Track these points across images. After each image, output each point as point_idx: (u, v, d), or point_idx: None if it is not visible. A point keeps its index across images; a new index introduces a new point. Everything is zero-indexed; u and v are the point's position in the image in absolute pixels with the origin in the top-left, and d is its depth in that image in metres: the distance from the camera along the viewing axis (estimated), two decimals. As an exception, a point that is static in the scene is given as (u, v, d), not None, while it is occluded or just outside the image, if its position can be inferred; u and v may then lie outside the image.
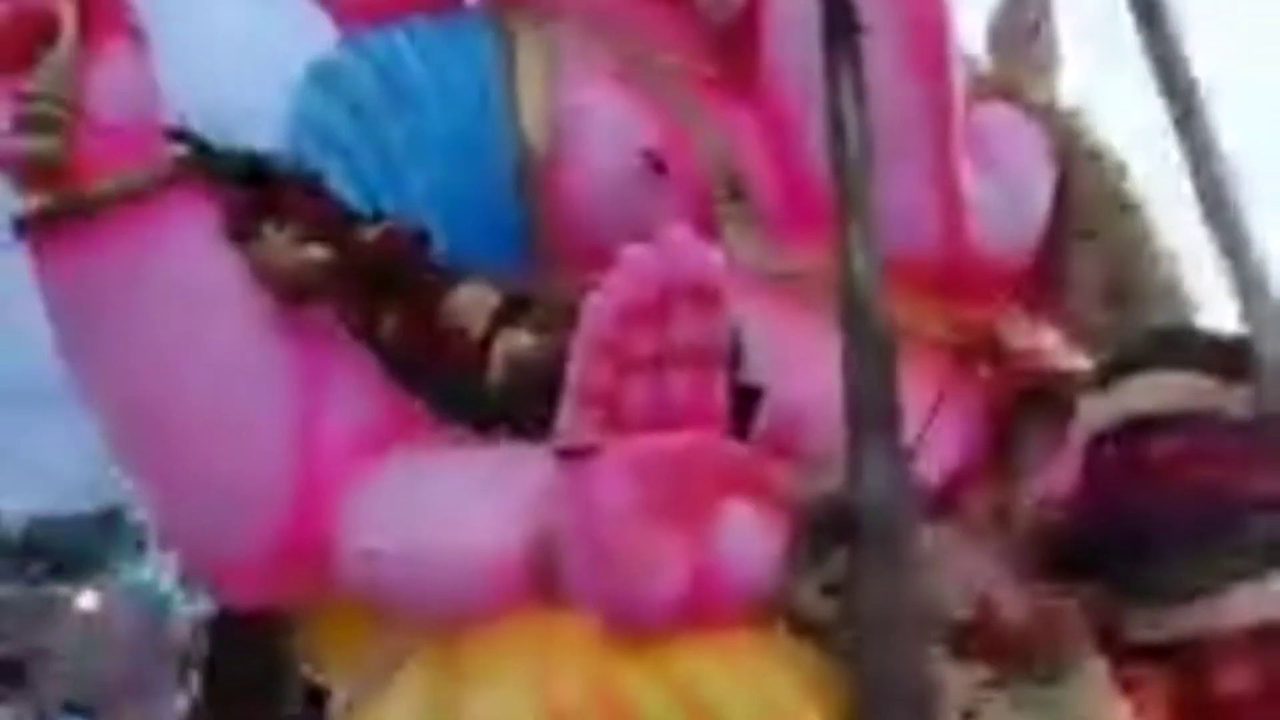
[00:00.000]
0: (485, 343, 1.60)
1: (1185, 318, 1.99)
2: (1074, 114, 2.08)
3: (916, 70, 1.76)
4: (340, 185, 1.74)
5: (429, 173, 1.80)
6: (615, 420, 1.30)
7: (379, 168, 1.80)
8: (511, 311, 1.62)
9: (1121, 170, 2.04)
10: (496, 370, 1.59)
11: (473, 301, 1.62)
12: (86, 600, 18.45)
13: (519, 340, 1.59)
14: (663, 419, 1.31)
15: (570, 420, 1.30)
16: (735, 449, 1.35)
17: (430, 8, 1.96)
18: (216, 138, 1.68)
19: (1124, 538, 1.70)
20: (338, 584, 1.60)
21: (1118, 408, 1.76)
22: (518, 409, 1.58)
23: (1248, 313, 1.78)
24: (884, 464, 1.39)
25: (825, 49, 1.52)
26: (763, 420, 1.38)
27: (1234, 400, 1.74)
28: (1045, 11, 2.28)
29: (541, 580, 1.40)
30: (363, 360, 1.68)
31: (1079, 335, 1.91)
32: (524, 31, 1.89)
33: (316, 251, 1.64)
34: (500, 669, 1.38)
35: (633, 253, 1.31)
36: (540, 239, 1.80)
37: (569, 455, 1.31)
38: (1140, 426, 1.74)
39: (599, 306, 1.29)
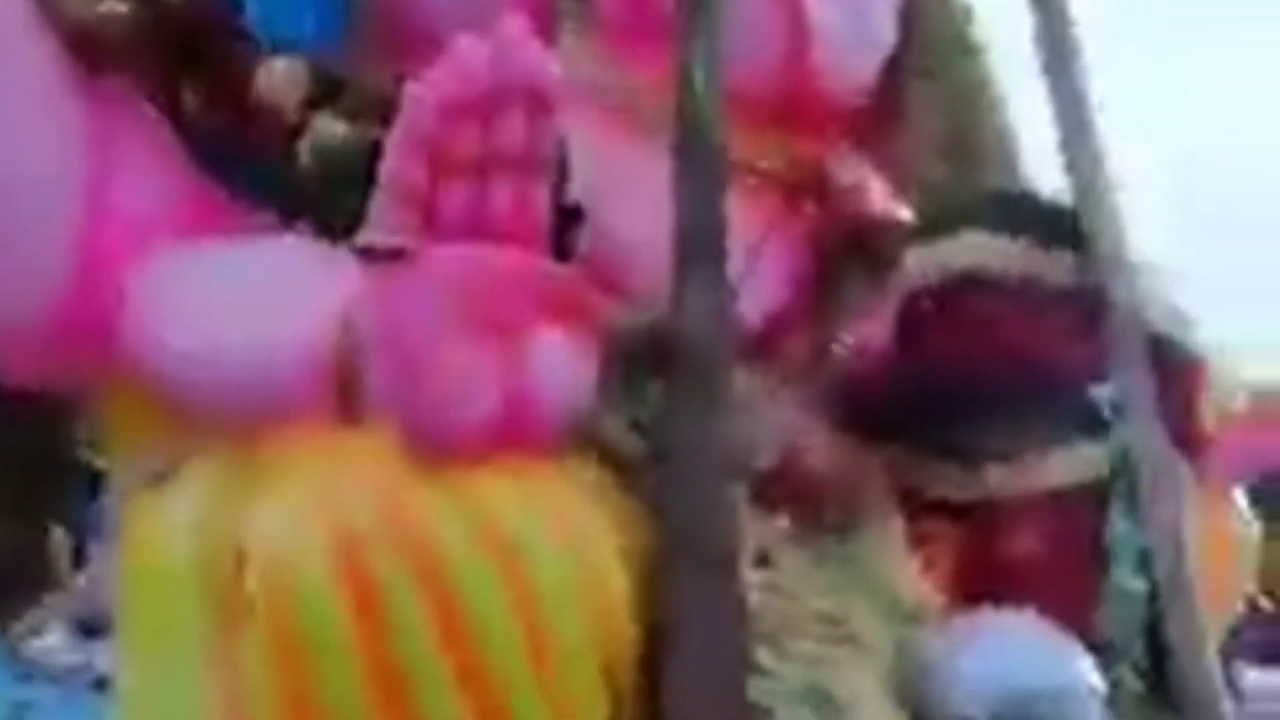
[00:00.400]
0: (296, 128, 1.49)
1: (1015, 174, 1.96)
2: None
3: None
4: None
5: None
6: (429, 223, 1.20)
7: None
8: (326, 95, 1.50)
9: (967, 13, 1.99)
10: (305, 158, 1.48)
11: (286, 80, 1.50)
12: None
13: (331, 128, 1.48)
14: (480, 227, 1.22)
15: (381, 218, 1.21)
16: (554, 269, 1.28)
17: None
18: None
19: (937, 396, 1.69)
20: (124, 368, 1.49)
21: (940, 263, 1.74)
22: (325, 201, 1.47)
23: (1077, 181, 1.76)
24: (707, 298, 1.34)
25: None
26: (583, 243, 1.30)
27: (1056, 267, 1.73)
28: None
29: (344, 388, 1.31)
30: (159, 133, 1.54)
31: (909, 181, 1.87)
32: None
33: (118, 4, 1.50)
34: (291, 479, 1.30)
35: (462, 44, 1.20)
36: (362, 19, 1.67)
37: (378, 256, 1.22)
38: (961, 285, 1.72)
39: (421, 98, 1.19)
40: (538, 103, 1.22)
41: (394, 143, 1.20)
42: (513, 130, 1.22)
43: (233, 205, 1.55)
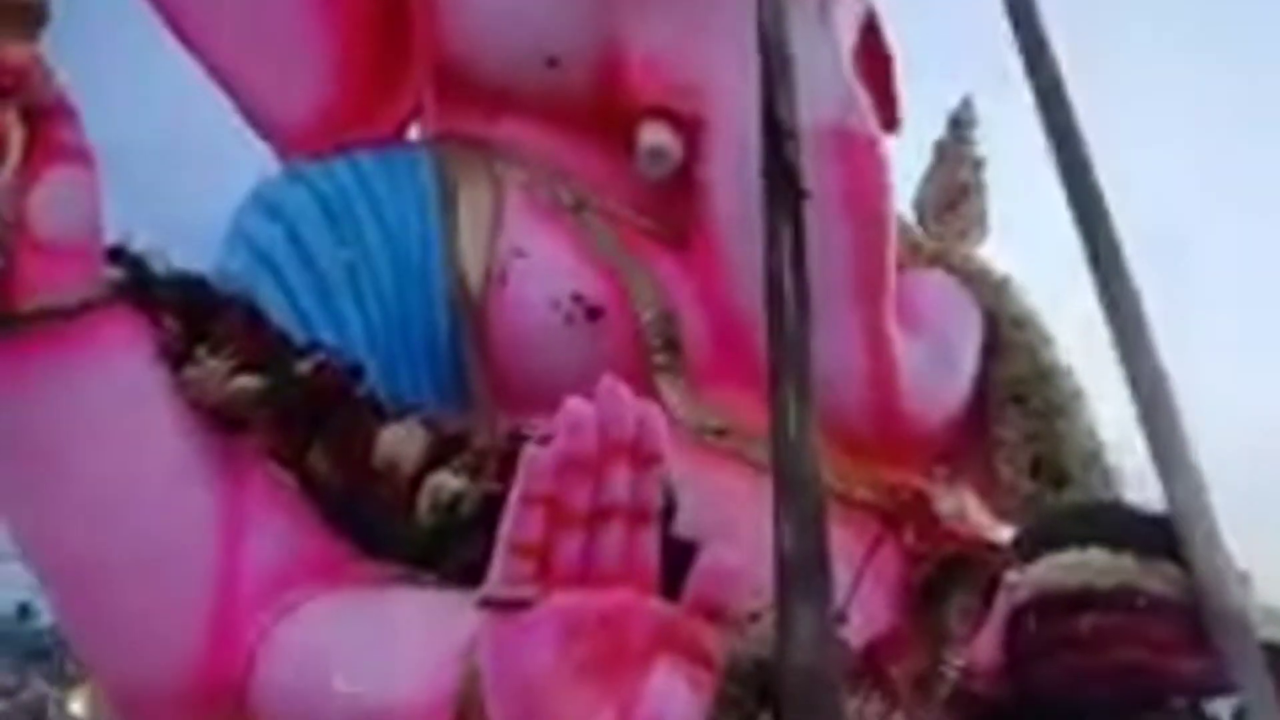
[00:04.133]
0: (415, 482, 1.59)
1: (1107, 489, 2.01)
2: (1002, 282, 2.12)
3: (855, 232, 1.79)
4: (274, 313, 1.73)
5: (365, 307, 1.79)
6: (545, 574, 1.27)
7: (315, 298, 1.79)
8: (442, 452, 1.61)
9: (1047, 338, 2.08)
10: (424, 511, 1.57)
11: (404, 439, 1.61)
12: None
13: (448, 482, 1.57)
14: (593, 575, 1.29)
15: (500, 571, 1.28)
16: (665, 608, 1.33)
17: (374, 143, 1.97)
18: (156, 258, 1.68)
19: (1046, 713, 1.70)
20: None
21: (1039, 582, 1.77)
22: (445, 552, 1.56)
23: (1170, 491, 1.80)
24: (811, 630, 1.38)
25: (766, 209, 1.54)
26: (694, 579, 1.36)
27: (1153, 579, 1.75)
28: (975, 174, 2.34)
29: None
30: (289, 495, 1.66)
31: (1005, 502, 1.93)
32: (465, 169, 1.90)
33: (250, 381, 1.63)
34: None
35: (572, 404, 1.30)
36: (473, 381, 1.80)
37: (498, 607, 1.28)
38: (1062, 602, 1.75)
39: (536, 457, 1.28)
40: (643, 454, 1.30)
41: (513, 499, 1.28)
42: (620, 482, 1.29)
43: (360, 561, 1.65)
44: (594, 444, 1.27)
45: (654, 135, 1.87)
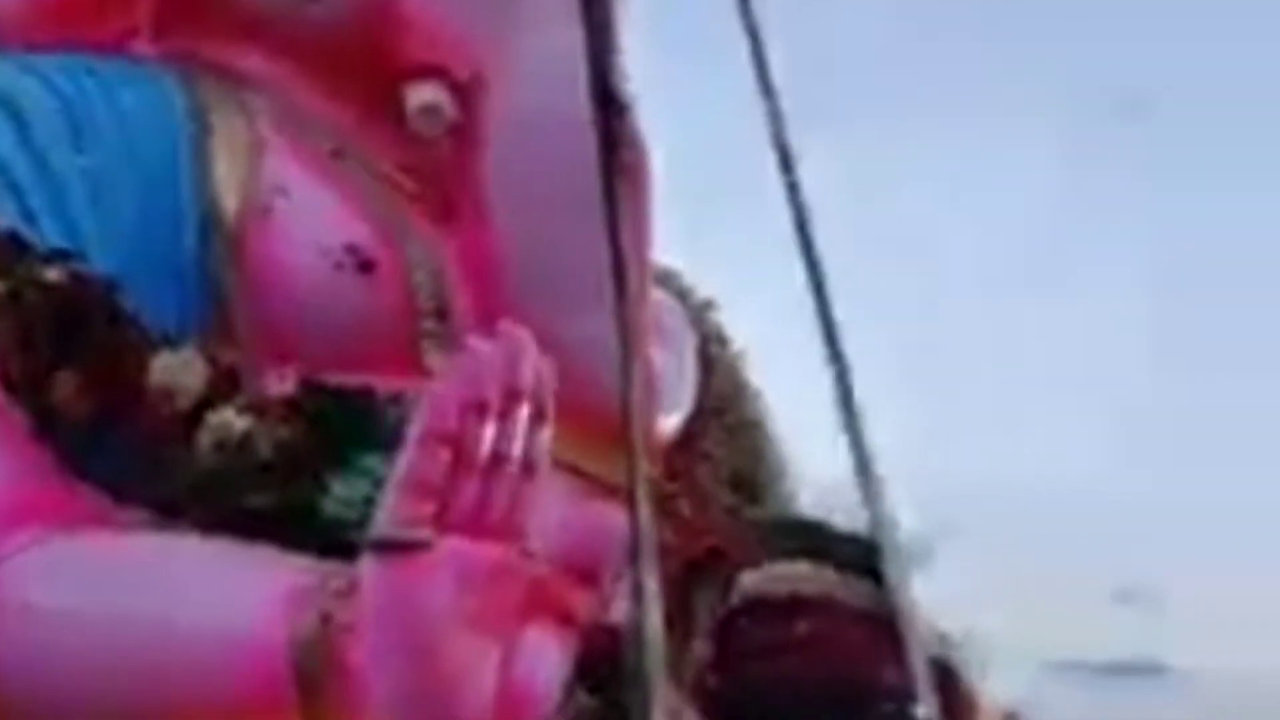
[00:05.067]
0: (192, 418, 1.44)
1: (794, 504, 2.11)
2: (706, 304, 2.18)
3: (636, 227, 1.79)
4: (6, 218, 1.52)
5: (105, 221, 1.60)
6: (442, 518, 1.20)
7: (47, 202, 1.58)
8: (223, 388, 1.47)
9: (741, 357, 2.16)
10: (205, 450, 1.43)
11: (180, 368, 1.46)
12: None
13: (235, 421, 1.44)
14: (480, 524, 1.23)
15: (398, 510, 1.20)
16: (537, 568, 1.29)
17: (100, 47, 1.77)
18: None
19: (755, 713, 1.76)
20: None
21: (751, 588, 1.84)
22: (225, 496, 1.42)
23: (869, 507, 1.92)
24: (658, 606, 1.36)
25: (603, 177, 1.50)
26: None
27: (851, 592, 1.86)
28: None
29: (307, 686, 1.24)
30: (13, 427, 1.45)
31: (707, 514, 1.98)
32: (216, 94, 1.74)
33: None
34: None
35: (478, 345, 1.23)
36: (227, 315, 1.64)
37: (391, 549, 1.19)
38: (772, 608, 1.83)
39: (441, 395, 1.20)
40: (539, 408, 1.25)
41: (415, 439, 1.20)
42: (518, 432, 1.24)
43: (99, 499, 1.46)
44: (499, 388, 1.21)
45: (426, 92, 1.78)
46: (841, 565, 1.87)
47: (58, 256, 1.49)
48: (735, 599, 1.82)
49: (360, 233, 1.69)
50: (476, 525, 1.22)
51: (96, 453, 1.47)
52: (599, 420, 1.61)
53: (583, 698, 1.36)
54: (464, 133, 1.80)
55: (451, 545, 1.21)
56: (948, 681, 1.90)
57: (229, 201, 1.66)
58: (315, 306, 1.62)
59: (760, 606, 1.82)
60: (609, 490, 1.65)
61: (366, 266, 1.67)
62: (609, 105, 1.50)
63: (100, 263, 1.56)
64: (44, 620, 1.35)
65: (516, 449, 1.24)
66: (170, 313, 1.60)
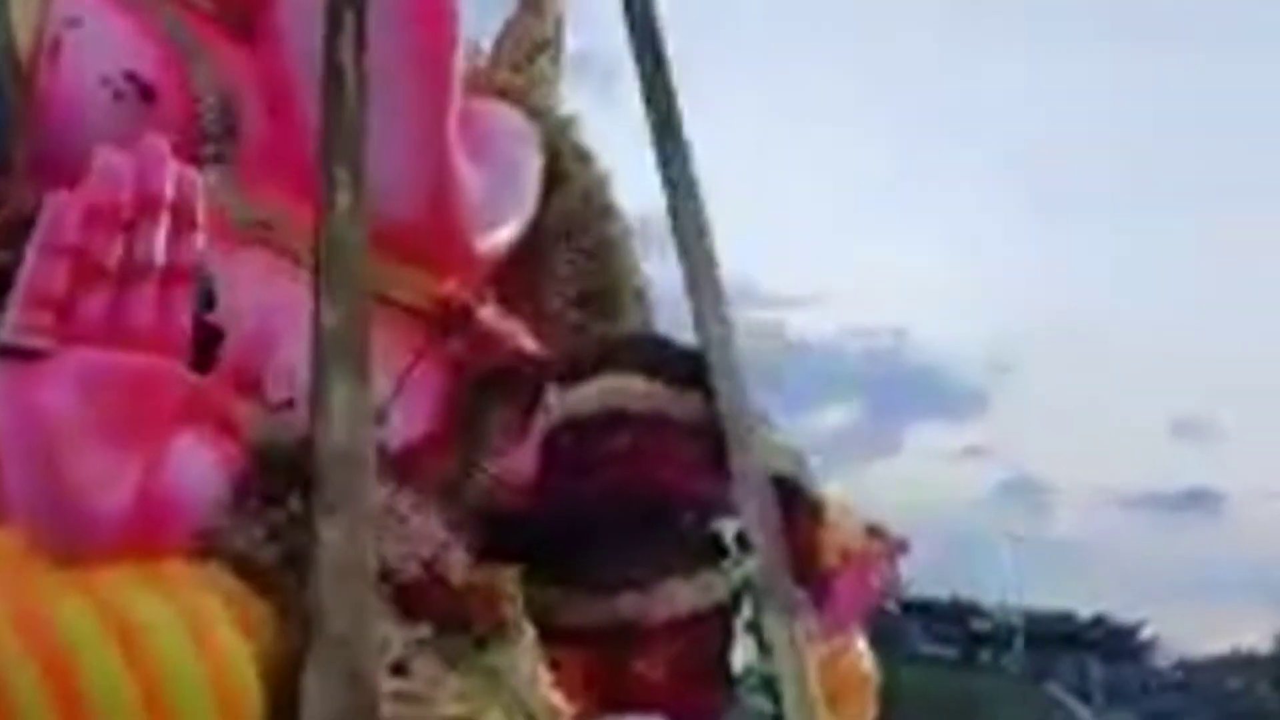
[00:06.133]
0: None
1: (646, 324, 2.09)
2: (568, 120, 2.15)
3: (418, 36, 1.76)
4: None
5: None
6: (67, 328, 1.21)
7: None
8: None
9: (605, 178, 2.13)
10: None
11: None
12: None
13: None
14: (120, 335, 1.23)
15: (17, 320, 1.21)
16: (193, 377, 1.29)
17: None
18: None
19: (565, 527, 1.77)
20: None
21: (578, 401, 1.83)
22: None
23: (701, 324, 1.90)
24: (348, 413, 1.38)
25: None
26: (225, 352, 1.33)
27: (682, 406, 1.84)
28: (558, 28, 2.36)
29: None
30: None
31: (551, 332, 1.97)
32: None
33: None
34: None
35: (105, 154, 1.23)
36: (16, 144, 1.68)
37: (11, 355, 1.21)
38: (597, 422, 1.82)
39: (63, 204, 1.21)
40: (181, 215, 1.25)
41: (32, 247, 1.21)
42: (155, 241, 1.24)
43: None
44: (128, 197, 1.22)
45: None
46: (674, 380, 1.85)
47: None
48: (556, 414, 1.82)
49: (146, 59, 1.71)
50: (113, 333, 1.23)
51: None
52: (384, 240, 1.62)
53: (273, 512, 1.36)
54: None
55: (78, 353, 1.21)
56: (790, 497, 1.88)
57: (22, 38, 1.69)
58: (92, 136, 1.65)
59: (584, 423, 1.81)
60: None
61: (147, 94, 1.69)
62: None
63: None
64: None
65: (156, 257, 1.24)
66: None
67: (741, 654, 1.76)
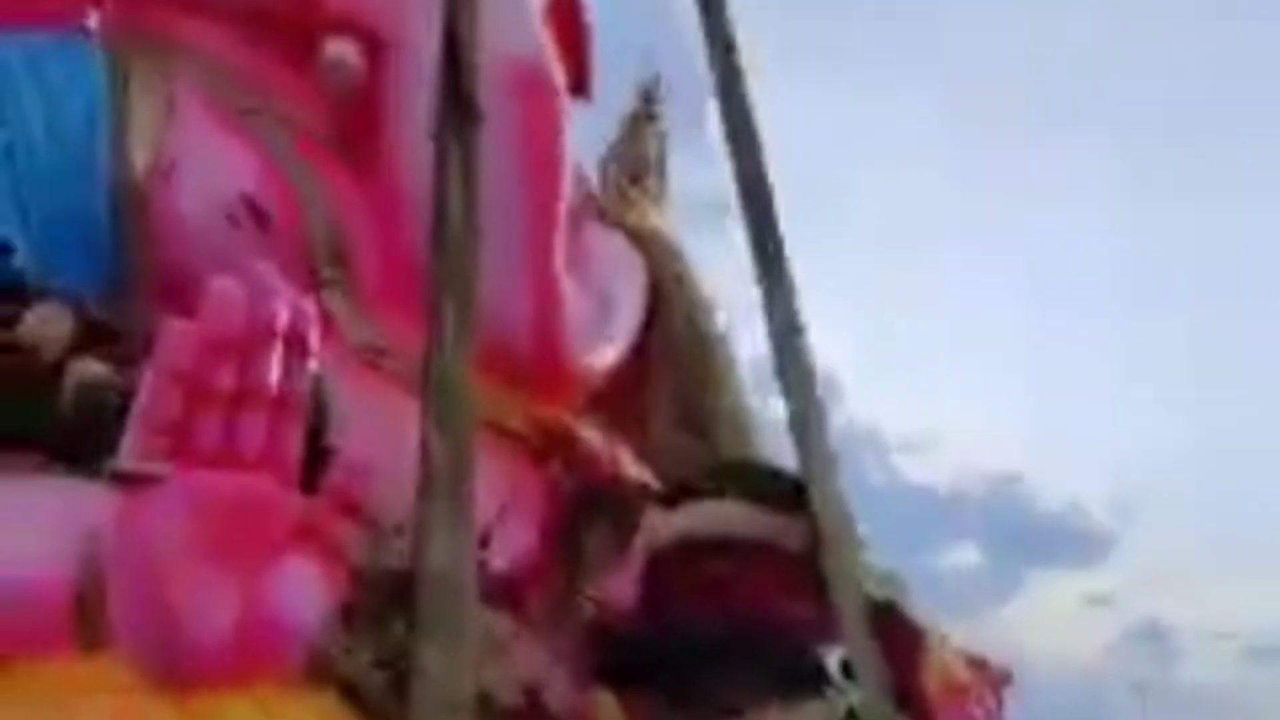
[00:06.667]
0: (58, 368, 1.53)
1: (751, 446, 2.09)
2: (672, 247, 2.18)
3: (528, 169, 1.81)
4: None
5: (20, 188, 1.71)
6: (182, 452, 1.24)
7: None
8: (88, 339, 1.55)
9: (708, 304, 2.15)
10: (67, 398, 1.51)
11: (48, 322, 1.54)
12: None
13: (90, 369, 1.52)
14: (232, 458, 1.26)
15: (134, 445, 1.24)
16: (301, 500, 1.32)
17: (51, 25, 1.88)
18: None
19: (672, 651, 1.76)
20: None
21: (679, 528, 1.83)
22: (88, 443, 1.50)
23: (803, 449, 1.89)
24: (451, 540, 1.39)
25: (438, 131, 1.54)
26: (334, 475, 1.35)
27: (787, 534, 1.83)
28: (663, 146, 2.40)
29: (86, 617, 1.31)
30: None
31: (654, 455, 1.98)
32: (139, 62, 1.84)
33: None
34: (24, 713, 1.28)
35: (219, 283, 1.27)
36: (132, 272, 1.74)
37: (128, 481, 1.24)
38: (698, 548, 1.82)
39: (179, 332, 1.25)
40: (294, 345, 1.28)
41: (151, 373, 1.24)
42: (268, 367, 1.27)
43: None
44: (241, 324, 1.25)
45: (336, 47, 1.85)
46: (780, 508, 1.84)
47: None
48: (663, 537, 1.82)
49: (258, 183, 1.76)
50: (224, 457, 1.26)
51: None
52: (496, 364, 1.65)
53: (380, 637, 1.36)
54: (377, 88, 1.86)
55: (188, 477, 1.24)
56: (888, 621, 1.86)
57: (138, 162, 1.75)
58: (208, 258, 1.70)
59: (692, 546, 1.80)
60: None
61: (262, 219, 1.74)
62: (454, 51, 1.55)
63: (8, 223, 1.67)
64: None
65: (269, 384, 1.27)
66: (78, 268, 1.70)
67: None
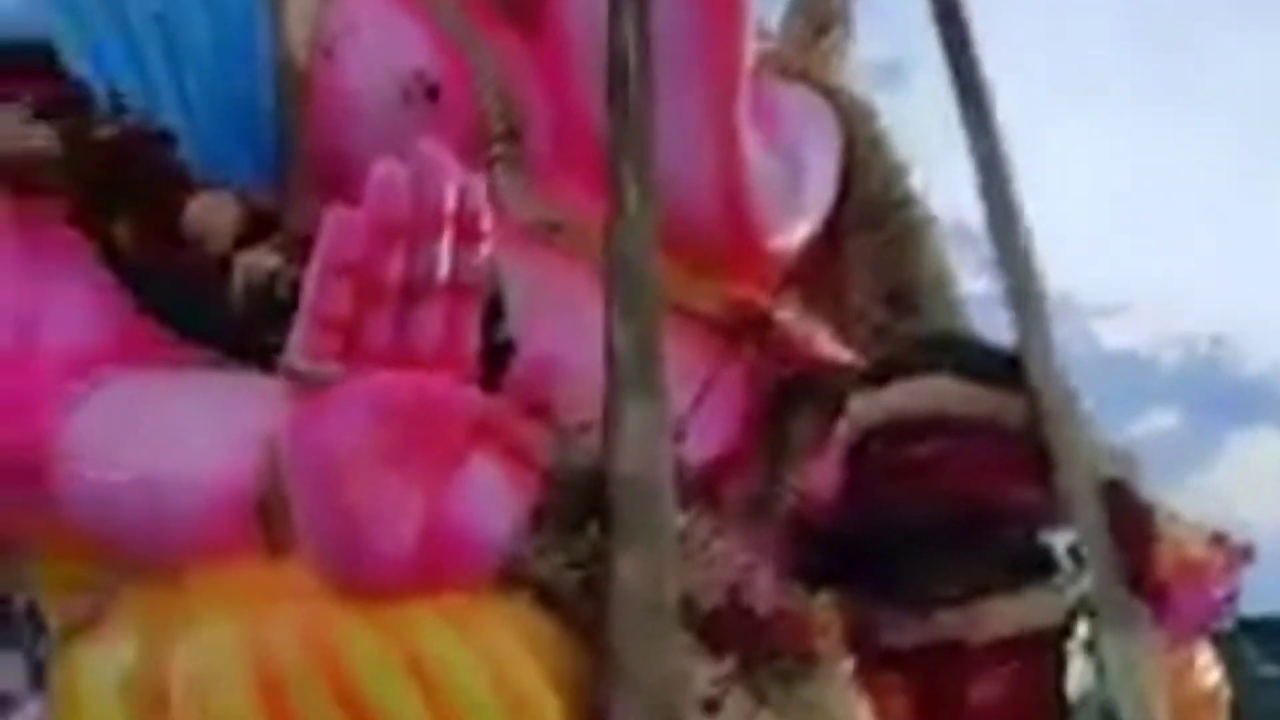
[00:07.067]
0: (225, 262, 1.46)
1: (955, 320, 1.94)
2: (863, 101, 2.01)
3: (706, 18, 1.65)
4: (73, 61, 1.57)
5: (180, 69, 1.63)
6: (354, 350, 1.15)
7: (122, 50, 1.62)
8: (256, 229, 1.47)
9: (903, 164, 1.98)
10: (237, 292, 1.44)
11: (214, 211, 1.47)
12: None
13: (262, 261, 1.44)
14: (407, 355, 1.16)
15: (303, 345, 1.15)
16: (485, 398, 1.22)
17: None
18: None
19: (880, 540, 1.64)
20: (52, 507, 1.44)
21: (886, 408, 1.70)
22: (256, 335, 1.43)
23: (1021, 322, 1.74)
24: (644, 435, 1.29)
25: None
26: (516, 371, 1.25)
27: (1006, 410, 1.69)
28: (845, 3, 2.22)
29: (269, 521, 1.26)
30: (92, 266, 1.52)
31: (854, 331, 1.85)
32: None
33: (45, 139, 1.48)
34: (215, 618, 1.23)
35: (384, 165, 1.16)
36: (295, 158, 1.65)
37: (298, 382, 1.16)
38: (908, 429, 1.69)
39: (343, 220, 1.14)
40: (465, 228, 1.17)
41: (315, 266, 1.15)
42: (439, 255, 1.16)
43: (170, 340, 1.51)
44: (408, 209, 1.14)
45: None
46: (996, 383, 1.70)
47: (115, 112, 1.52)
48: (871, 418, 1.69)
49: (428, 55, 1.65)
50: (399, 355, 1.16)
51: (157, 298, 1.51)
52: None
53: (574, 540, 1.28)
54: None
55: (365, 377, 1.15)
56: (1119, 503, 1.71)
57: (299, 40, 1.66)
58: (375, 139, 1.60)
59: (898, 428, 1.67)
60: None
61: (433, 93, 1.63)
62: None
63: (171, 111, 1.60)
64: (73, 463, 1.42)
65: (441, 272, 1.17)
66: (240, 155, 1.63)
67: (1078, 679, 1.60)
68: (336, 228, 1.13)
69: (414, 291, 1.16)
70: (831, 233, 1.87)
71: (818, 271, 1.87)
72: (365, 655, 1.14)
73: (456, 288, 1.17)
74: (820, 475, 1.68)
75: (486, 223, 1.19)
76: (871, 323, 1.88)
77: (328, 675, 1.13)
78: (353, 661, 1.13)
